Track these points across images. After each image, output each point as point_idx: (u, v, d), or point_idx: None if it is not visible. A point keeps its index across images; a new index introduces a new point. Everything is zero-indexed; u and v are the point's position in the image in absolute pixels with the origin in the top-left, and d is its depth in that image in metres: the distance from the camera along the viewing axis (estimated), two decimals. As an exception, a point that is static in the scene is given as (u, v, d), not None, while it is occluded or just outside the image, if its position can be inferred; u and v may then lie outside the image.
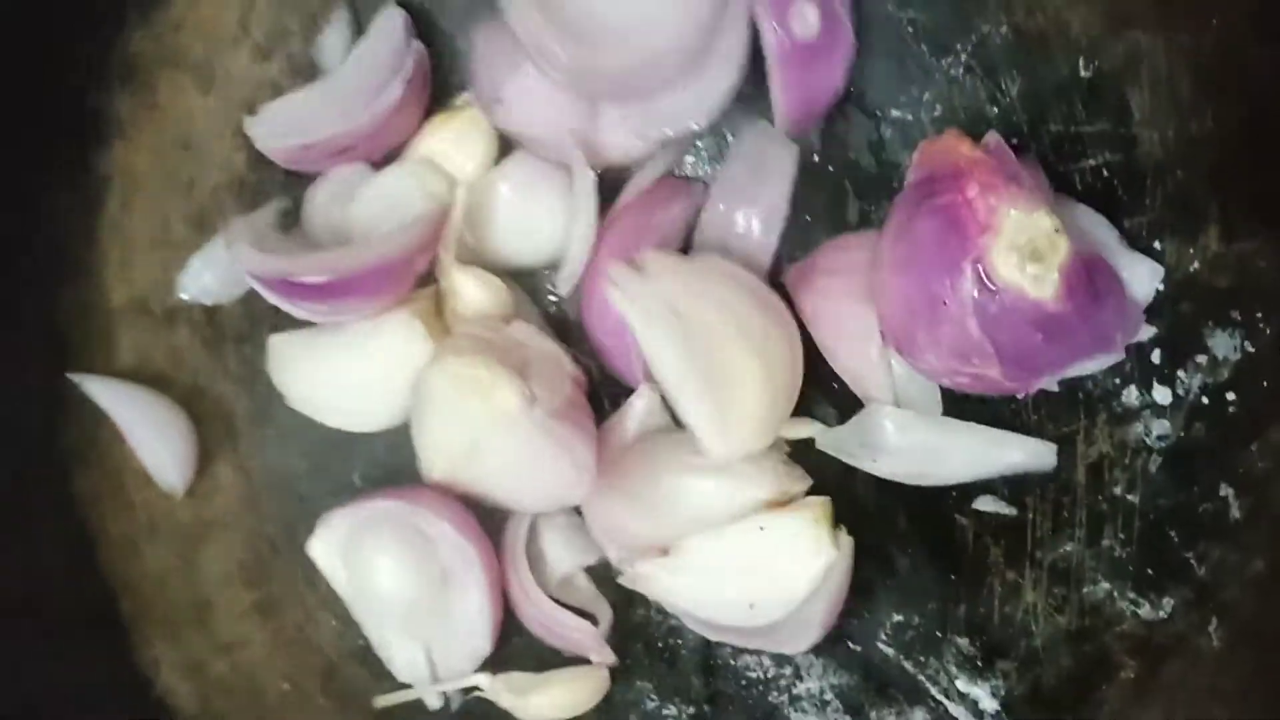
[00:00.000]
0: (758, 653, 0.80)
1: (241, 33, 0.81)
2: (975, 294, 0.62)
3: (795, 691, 0.80)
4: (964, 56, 0.76)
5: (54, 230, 0.79)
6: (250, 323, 0.84)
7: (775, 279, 0.77)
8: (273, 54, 0.82)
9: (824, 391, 0.78)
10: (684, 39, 0.70)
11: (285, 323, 0.79)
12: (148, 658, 0.81)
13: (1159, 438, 0.73)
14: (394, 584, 0.77)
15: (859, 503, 0.79)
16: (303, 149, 0.79)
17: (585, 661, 0.79)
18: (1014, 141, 0.73)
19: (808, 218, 0.79)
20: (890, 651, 0.80)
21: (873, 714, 0.80)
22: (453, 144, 0.80)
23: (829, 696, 0.80)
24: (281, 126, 0.80)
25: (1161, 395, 0.74)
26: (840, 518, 0.73)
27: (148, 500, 0.83)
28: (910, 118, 0.77)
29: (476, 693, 0.79)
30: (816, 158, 0.79)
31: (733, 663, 0.81)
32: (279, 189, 0.84)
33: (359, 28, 0.82)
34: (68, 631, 0.78)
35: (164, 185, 0.82)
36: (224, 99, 0.82)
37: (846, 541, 0.71)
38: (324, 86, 0.80)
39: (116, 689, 0.80)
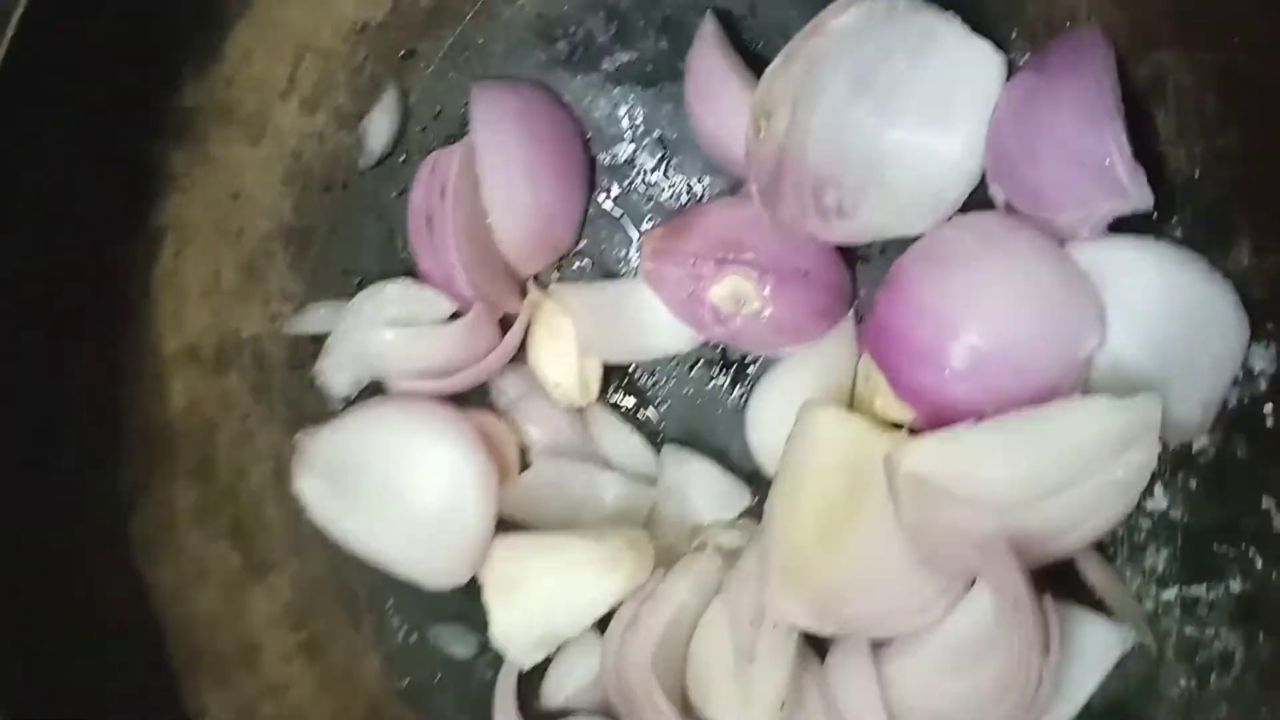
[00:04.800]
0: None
1: (290, 86, 0.84)
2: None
3: None
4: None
5: (112, 280, 0.81)
6: (296, 369, 0.87)
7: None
8: (319, 107, 0.85)
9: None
10: None
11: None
12: (196, 704, 0.81)
13: (1198, 452, 0.72)
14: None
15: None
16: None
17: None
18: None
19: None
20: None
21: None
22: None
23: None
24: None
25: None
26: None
27: (197, 544, 0.84)
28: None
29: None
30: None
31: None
32: (326, 236, 0.87)
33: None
34: (121, 675, 0.79)
35: (215, 235, 0.84)
36: (272, 150, 0.85)
37: None
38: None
39: (166, 732, 0.80)
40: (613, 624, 0.78)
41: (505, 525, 0.80)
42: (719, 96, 0.77)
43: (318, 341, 0.86)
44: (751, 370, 0.83)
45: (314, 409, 0.86)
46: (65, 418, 0.79)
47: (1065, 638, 0.66)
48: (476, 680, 0.85)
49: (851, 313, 0.80)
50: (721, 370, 0.84)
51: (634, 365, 0.85)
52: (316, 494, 0.81)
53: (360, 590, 0.86)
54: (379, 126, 0.85)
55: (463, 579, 0.79)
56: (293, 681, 0.84)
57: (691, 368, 0.84)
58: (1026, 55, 0.74)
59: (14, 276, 0.74)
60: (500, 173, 0.81)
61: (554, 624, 0.78)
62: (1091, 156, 0.66)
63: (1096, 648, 0.69)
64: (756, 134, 0.72)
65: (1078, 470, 0.65)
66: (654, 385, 0.85)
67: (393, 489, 0.79)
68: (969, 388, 0.69)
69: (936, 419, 0.70)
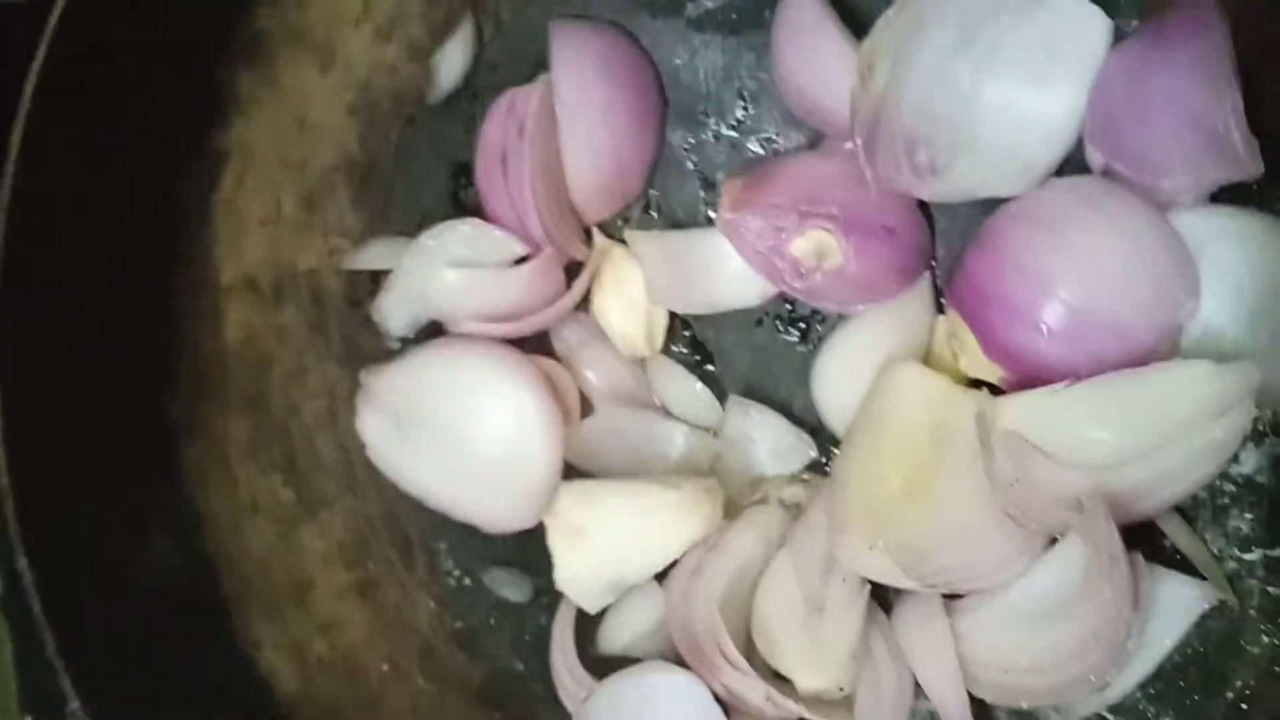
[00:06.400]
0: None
1: (363, 14, 0.82)
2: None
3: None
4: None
5: (170, 204, 0.79)
6: (353, 306, 0.85)
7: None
8: (392, 36, 0.83)
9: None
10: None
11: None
12: (249, 637, 0.80)
13: (1289, 421, 0.75)
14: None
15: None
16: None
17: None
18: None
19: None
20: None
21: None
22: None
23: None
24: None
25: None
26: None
27: (250, 477, 0.82)
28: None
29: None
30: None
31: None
32: (389, 171, 0.85)
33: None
34: (172, 608, 0.77)
35: (278, 164, 0.82)
36: (341, 79, 0.83)
37: None
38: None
39: (220, 667, 0.79)
40: (675, 573, 0.79)
41: (566, 471, 0.80)
42: (814, 47, 0.76)
43: (376, 278, 0.84)
44: (820, 328, 0.83)
45: (370, 347, 0.86)
46: (119, 341, 0.77)
47: (1148, 594, 0.68)
48: (530, 624, 0.86)
49: (929, 273, 0.80)
50: (789, 326, 0.84)
51: (698, 319, 0.85)
52: (379, 433, 0.81)
53: (413, 532, 0.86)
54: (451, 61, 0.83)
55: (528, 523, 0.79)
56: (346, 620, 0.84)
57: (758, 322, 0.84)
58: (1134, 23, 0.75)
59: (74, 194, 0.72)
60: (578, 115, 0.80)
61: (622, 570, 0.79)
62: (1207, 123, 0.67)
63: (1178, 604, 0.71)
64: (861, 86, 0.72)
65: (1172, 433, 0.67)
66: (717, 339, 0.85)
67: (457, 431, 0.79)
68: (1064, 348, 0.70)
69: (1028, 379, 0.71)
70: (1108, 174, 0.72)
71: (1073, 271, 0.69)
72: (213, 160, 0.80)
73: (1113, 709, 0.77)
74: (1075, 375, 0.69)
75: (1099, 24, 0.71)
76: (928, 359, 0.79)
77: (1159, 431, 0.67)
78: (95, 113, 0.72)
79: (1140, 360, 0.68)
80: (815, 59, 0.76)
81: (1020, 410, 0.69)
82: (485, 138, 0.82)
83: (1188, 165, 0.68)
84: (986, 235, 0.73)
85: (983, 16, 0.71)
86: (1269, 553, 0.74)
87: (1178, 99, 0.68)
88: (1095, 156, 0.73)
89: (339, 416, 0.85)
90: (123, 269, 0.76)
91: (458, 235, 0.82)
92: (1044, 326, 0.70)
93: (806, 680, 0.76)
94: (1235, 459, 0.74)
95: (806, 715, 0.74)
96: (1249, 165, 0.67)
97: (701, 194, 0.85)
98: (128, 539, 0.76)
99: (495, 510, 0.80)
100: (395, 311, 0.84)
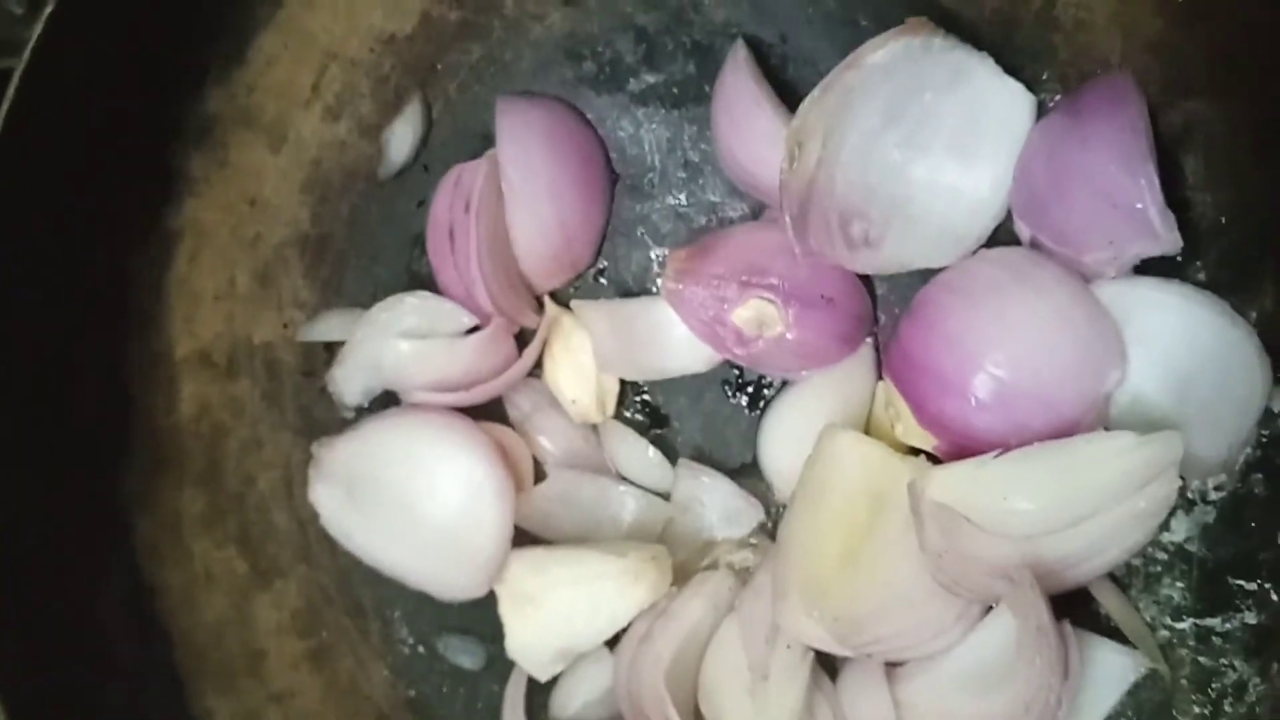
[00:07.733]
0: None
1: (313, 94, 0.83)
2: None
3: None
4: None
5: (124, 283, 0.80)
6: (307, 377, 0.87)
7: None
8: (342, 115, 0.84)
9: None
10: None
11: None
12: (202, 707, 0.81)
13: (1216, 489, 0.75)
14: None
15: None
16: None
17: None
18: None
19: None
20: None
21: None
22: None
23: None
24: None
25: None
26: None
27: (204, 550, 0.83)
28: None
29: None
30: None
31: None
32: (342, 244, 0.86)
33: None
34: (125, 680, 0.78)
35: (230, 241, 0.84)
36: (292, 157, 0.84)
37: None
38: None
39: (172, 738, 0.80)
40: (625, 640, 0.79)
41: (519, 537, 0.81)
42: (748, 122, 0.78)
43: (330, 350, 0.86)
44: (768, 392, 0.84)
45: (324, 417, 0.87)
46: (73, 420, 0.78)
47: (1081, 663, 0.68)
48: (484, 692, 0.86)
49: (871, 339, 0.81)
50: (737, 390, 0.85)
51: (649, 383, 0.86)
52: (331, 504, 0.82)
53: (367, 600, 0.87)
54: (401, 138, 0.85)
55: (479, 591, 0.80)
56: (299, 689, 0.84)
57: (707, 387, 0.85)
58: (1057, 97, 0.76)
59: (27, 276, 0.74)
60: (524, 189, 0.82)
61: (572, 637, 0.79)
62: (1123, 199, 0.68)
63: (1110, 673, 0.72)
64: (790, 164, 0.73)
65: (1099, 503, 0.68)
66: (668, 403, 0.86)
67: (409, 500, 0.80)
68: (992, 418, 0.71)
69: (958, 448, 0.72)
70: (1035, 246, 0.73)
71: (1000, 343, 0.70)
72: (166, 239, 0.81)
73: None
74: (1004, 445, 0.70)
75: (1022, 100, 0.73)
76: (869, 425, 0.80)
77: (1085, 503, 0.68)
78: (48, 194, 0.74)
79: (1067, 430, 0.69)
80: (751, 135, 0.78)
81: (949, 481, 0.69)
82: (433, 212, 0.83)
83: (1107, 239, 0.70)
84: (918, 305, 0.75)
85: (908, 94, 0.73)
86: (1199, 622, 0.74)
87: (1094, 176, 0.69)
88: (1023, 229, 0.74)
89: (294, 487, 0.86)
90: (77, 345, 0.78)
91: (409, 306, 0.84)
92: (973, 397, 0.71)
93: (750, 747, 0.76)
94: (1166, 527, 0.74)
95: None
96: (1166, 240, 0.68)
97: (652, 262, 0.86)
98: (79, 611, 0.77)
99: (447, 578, 0.81)
100: (349, 382, 0.85)
